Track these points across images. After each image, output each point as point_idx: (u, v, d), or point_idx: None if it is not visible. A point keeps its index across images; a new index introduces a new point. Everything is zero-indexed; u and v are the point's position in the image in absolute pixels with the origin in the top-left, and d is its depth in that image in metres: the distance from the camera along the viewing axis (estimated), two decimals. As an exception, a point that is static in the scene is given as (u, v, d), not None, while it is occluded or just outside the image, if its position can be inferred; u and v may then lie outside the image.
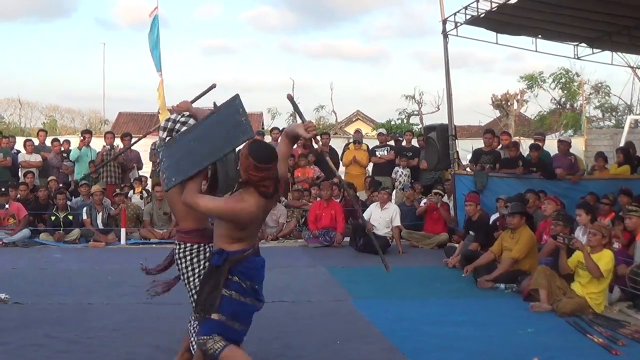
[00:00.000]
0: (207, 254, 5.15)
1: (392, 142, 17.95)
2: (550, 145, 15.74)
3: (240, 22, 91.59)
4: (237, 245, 4.83)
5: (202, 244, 5.21)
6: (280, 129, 18.09)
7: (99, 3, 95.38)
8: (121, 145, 16.57)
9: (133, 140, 15.82)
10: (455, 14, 13.62)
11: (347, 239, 13.77)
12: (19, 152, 16.87)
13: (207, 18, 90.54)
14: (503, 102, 35.44)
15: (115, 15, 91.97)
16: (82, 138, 16.82)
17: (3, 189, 14.48)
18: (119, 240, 14.00)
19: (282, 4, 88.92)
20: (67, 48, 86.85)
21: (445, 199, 14.28)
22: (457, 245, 12.09)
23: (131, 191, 15.79)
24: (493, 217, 11.94)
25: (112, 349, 6.28)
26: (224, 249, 4.79)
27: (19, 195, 14.60)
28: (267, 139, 17.83)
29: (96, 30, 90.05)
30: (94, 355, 6.07)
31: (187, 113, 5.29)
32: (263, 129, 36.14)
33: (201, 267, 5.15)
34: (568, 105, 38.17)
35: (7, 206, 14.23)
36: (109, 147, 16.17)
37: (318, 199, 14.54)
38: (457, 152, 14.52)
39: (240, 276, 4.84)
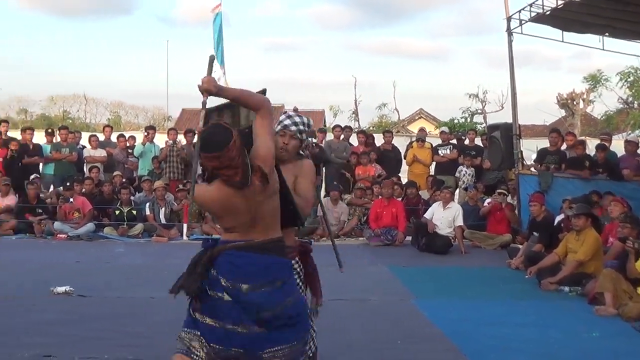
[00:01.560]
0: None
1: (454, 141, 17.79)
2: (617, 146, 15.44)
3: (301, 19, 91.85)
4: (226, 236, 4.32)
5: None
6: (343, 126, 18.09)
7: (162, 0, 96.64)
8: (184, 142, 16.74)
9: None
10: (520, 11, 13.45)
11: (408, 237, 13.70)
12: (84, 147, 17.15)
13: (268, 15, 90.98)
14: (568, 101, 34.83)
15: (177, 12, 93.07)
16: (145, 134, 17.05)
17: (68, 184, 14.76)
18: (181, 235, 14.15)
19: (343, 1, 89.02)
20: (131, 45, 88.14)
21: (509, 199, 14.12)
22: (520, 246, 11.94)
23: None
24: (558, 218, 11.76)
25: (173, 343, 6.32)
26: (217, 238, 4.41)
27: (84, 190, 14.84)
28: (329, 136, 17.82)
29: (159, 28, 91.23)
30: (156, 349, 6.11)
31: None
32: (325, 126, 36.15)
33: None
34: (636, 105, 37.38)
35: (72, 200, 14.49)
36: (171, 142, 16.34)
37: (379, 197, 14.49)
38: (521, 151, 14.33)
39: (219, 270, 4.23)
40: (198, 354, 4.25)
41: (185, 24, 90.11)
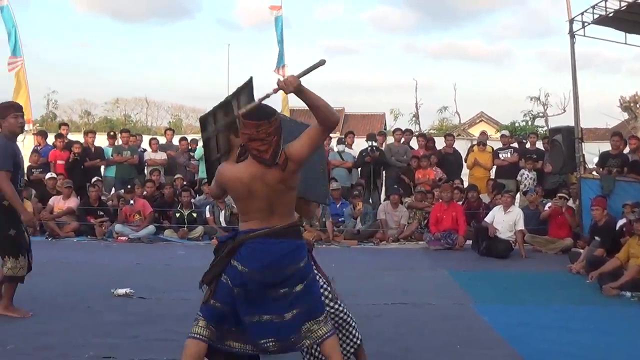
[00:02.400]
0: None
1: (515, 144, 17.66)
2: (682, 149, 15.16)
3: (361, 22, 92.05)
4: (245, 225, 4.53)
5: None
6: (403, 129, 18.09)
7: (220, 4, 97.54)
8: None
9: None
10: (582, 13, 13.29)
11: (469, 241, 13.66)
12: (145, 150, 17.43)
13: (328, 18, 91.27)
14: (631, 104, 34.30)
15: (236, 15, 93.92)
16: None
17: (129, 186, 15.04)
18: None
19: (402, 4, 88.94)
20: (192, 49, 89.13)
21: (570, 203, 13.98)
22: (581, 250, 11.81)
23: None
24: (619, 223, 11.60)
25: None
26: (237, 229, 4.63)
27: (145, 192, 15.10)
28: (390, 139, 17.85)
29: (218, 31, 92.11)
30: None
31: None
32: (385, 129, 36.14)
33: None
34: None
35: (132, 202, 14.76)
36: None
37: (439, 200, 14.48)
38: (583, 155, 14.16)
39: (240, 260, 4.47)
40: (204, 333, 4.52)
41: (244, 27, 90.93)
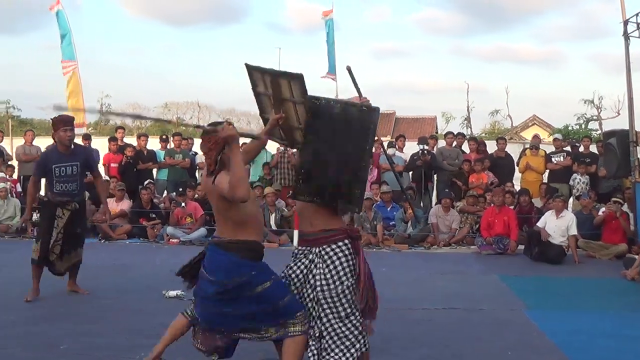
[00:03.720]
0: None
1: (568, 148, 17.45)
2: None
3: (410, 24, 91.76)
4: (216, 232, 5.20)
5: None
6: (455, 133, 18.01)
7: (270, 8, 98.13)
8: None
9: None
10: (637, 14, 13.11)
11: (521, 246, 13.52)
12: (196, 153, 17.54)
13: (377, 21, 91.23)
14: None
15: (286, 19, 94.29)
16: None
17: (181, 189, 15.19)
18: (292, 241, 14.27)
19: (451, 6, 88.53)
20: (242, 53, 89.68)
21: (624, 207, 13.77)
22: (636, 256, 11.63)
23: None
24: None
25: (271, 348, 6.42)
26: None
27: (196, 195, 15.22)
28: (441, 143, 17.77)
29: (268, 35, 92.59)
30: (271, 352, 6.21)
31: None
32: (437, 133, 35.99)
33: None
34: None
35: (184, 205, 14.89)
36: (282, 148, 16.58)
37: (491, 205, 14.36)
38: (638, 159, 13.95)
39: (204, 261, 5.18)
40: (190, 314, 5.42)
41: (294, 30, 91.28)
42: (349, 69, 5.21)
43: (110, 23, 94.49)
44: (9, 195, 15.51)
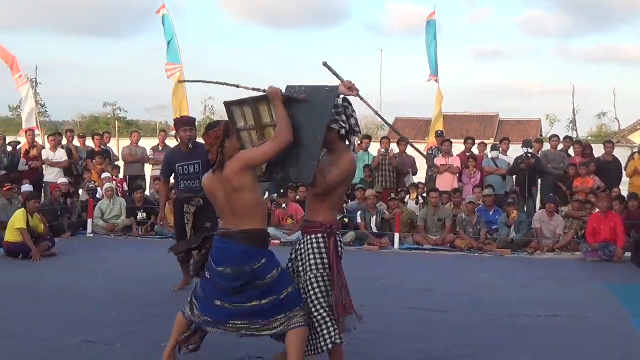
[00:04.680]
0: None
1: (680, 152, 16.93)
2: None
3: (512, 25, 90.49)
4: (220, 223, 5.42)
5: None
6: (562, 136, 17.68)
7: (369, 10, 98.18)
8: (397, 150, 16.94)
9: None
10: None
11: (628, 253, 13.16)
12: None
13: (478, 22, 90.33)
14: None
15: (386, 21, 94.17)
16: (359, 142, 17.38)
17: (282, 190, 15.33)
18: (393, 244, 14.29)
19: (554, 7, 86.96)
20: (343, 54, 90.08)
21: None
22: None
23: (407, 196, 16.06)
24: None
25: (376, 353, 6.43)
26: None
27: (298, 197, 15.34)
28: (546, 146, 17.46)
29: (369, 37, 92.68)
30: (358, 357, 6.21)
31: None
32: (541, 135, 35.39)
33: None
34: None
35: (285, 207, 15.03)
36: (384, 150, 16.57)
37: (597, 210, 14.03)
38: None
39: (211, 255, 5.26)
40: (189, 314, 5.39)
41: (394, 32, 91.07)
42: (325, 64, 5.40)
43: (212, 26, 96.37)
44: (115, 194, 15.96)
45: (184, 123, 9.03)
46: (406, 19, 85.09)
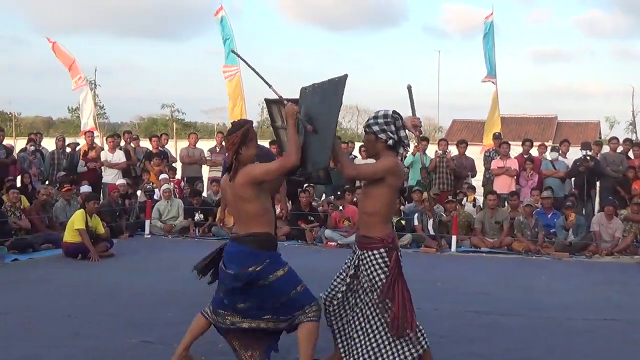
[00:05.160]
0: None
1: None
2: None
3: (570, 26, 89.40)
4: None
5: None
6: (621, 139, 17.44)
7: (426, 12, 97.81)
8: (454, 152, 16.90)
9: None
10: None
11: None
12: (356, 157, 17.66)
13: (537, 24, 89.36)
14: None
15: (444, 23, 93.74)
16: (416, 144, 17.36)
17: (340, 192, 15.37)
18: (450, 247, 14.26)
19: (614, 7, 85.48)
20: (400, 56, 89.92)
21: None
22: None
23: (465, 198, 16.01)
24: None
25: (438, 356, 6.45)
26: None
27: (355, 199, 15.38)
28: (605, 148, 17.25)
29: (426, 38, 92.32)
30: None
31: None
32: (600, 138, 34.92)
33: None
34: None
35: (342, 209, 15.07)
36: (441, 152, 16.53)
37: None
38: None
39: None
40: (208, 313, 5.66)
41: (452, 34, 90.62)
42: (409, 89, 5.55)
43: (269, 28, 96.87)
44: (173, 196, 16.17)
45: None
46: (463, 20, 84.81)
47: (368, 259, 5.28)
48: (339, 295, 5.52)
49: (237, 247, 5.33)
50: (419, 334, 5.29)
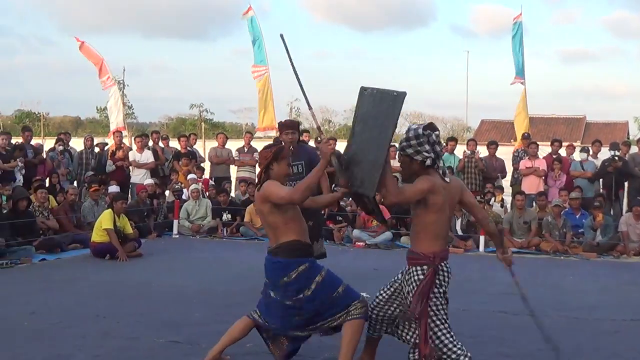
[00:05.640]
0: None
1: None
2: None
3: (598, 27, 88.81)
4: None
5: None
6: None
7: (455, 12, 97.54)
8: (483, 153, 16.83)
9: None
10: None
11: None
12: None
13: (564, 24, 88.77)
14: None
15: (473, 23, 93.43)
16: (445, 145, 17.31)
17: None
18: (477, 247, 14.21)
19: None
20: (428, 56, 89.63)
21: None
22: None
23: (493, 198, 15.94)
24: None
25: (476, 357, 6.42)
26: None
27: (382, 200, 15.33)
28: (634, 149, 17.11)
29: (454, 39, 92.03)
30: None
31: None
32: (628, 138, 34.63)
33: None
34: None
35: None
36: (469, 152, 16.47)
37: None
38: None
39: None
40: (256, 317, 5.69)
41: (480, 34, 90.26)
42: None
43: (297, 28, 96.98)
44: (201, 196, 16.21)
45: (287, 126, 9.19)
46: (491, 20, 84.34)
47: (409, 274, 5.25)
48: (382, 303, 5.54)
49: (269, 260, 5.48)
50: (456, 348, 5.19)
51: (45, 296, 8.83)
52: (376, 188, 5.14)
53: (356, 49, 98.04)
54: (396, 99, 5.00)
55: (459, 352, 5.14)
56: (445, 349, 5.11)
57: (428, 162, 5.11)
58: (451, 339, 5.15)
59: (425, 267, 5.14)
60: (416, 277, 5.16)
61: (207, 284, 9.66)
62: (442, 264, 5.19)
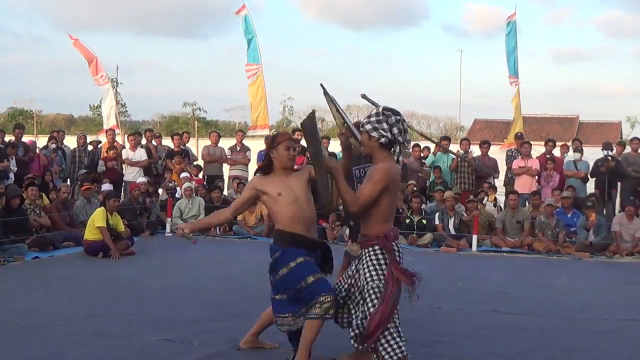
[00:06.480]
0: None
1: None
2: None
3: (591, 26, 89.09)
4: None
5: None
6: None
7: (448, 11, 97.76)
8: (475, 153, 16.85)
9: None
10: None
11: None
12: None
13: (557, 23, 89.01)
14: None
15: (466, 22, 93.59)
16: (437, 144, 17.34)
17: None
18: (470, 246, 14.21)
19: (635, 8, 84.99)
20: (420, 55, 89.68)
21: None
22: None
23: (485, 198, 15.96)
24: None
25: (458, 355, 6.44)
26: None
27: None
28: (627, 149, 17.13)
29: (447, 38, 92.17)
30: (442, 359, 6.26)
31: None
32: (621, 138, 34.71)
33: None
34: None
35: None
36: (462, 153, 16.48)
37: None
38: None
39: None
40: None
41: (472, 33, 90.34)
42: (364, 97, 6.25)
43: (290, 26, 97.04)
44: (194, 194, 16.16)
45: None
46: (484, 19, 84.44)
47: (365, 257, 5.34)
48: (343, 292, 5.58)
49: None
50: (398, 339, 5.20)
51: (37, 294, 8.81)
52: (334, 202, 5.65)
53: (348, 47, 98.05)
54: (312, 117, 5.53)
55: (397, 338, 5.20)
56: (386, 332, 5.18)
57: (383, 140, 5.23)
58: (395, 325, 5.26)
59: (377, 247, 5.29)
60: (371, 257, 5.29)
61: (200, 283, 9.65)
62: (395, 242, 5.35)
